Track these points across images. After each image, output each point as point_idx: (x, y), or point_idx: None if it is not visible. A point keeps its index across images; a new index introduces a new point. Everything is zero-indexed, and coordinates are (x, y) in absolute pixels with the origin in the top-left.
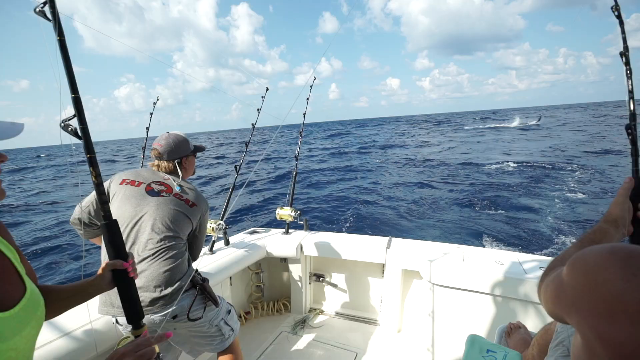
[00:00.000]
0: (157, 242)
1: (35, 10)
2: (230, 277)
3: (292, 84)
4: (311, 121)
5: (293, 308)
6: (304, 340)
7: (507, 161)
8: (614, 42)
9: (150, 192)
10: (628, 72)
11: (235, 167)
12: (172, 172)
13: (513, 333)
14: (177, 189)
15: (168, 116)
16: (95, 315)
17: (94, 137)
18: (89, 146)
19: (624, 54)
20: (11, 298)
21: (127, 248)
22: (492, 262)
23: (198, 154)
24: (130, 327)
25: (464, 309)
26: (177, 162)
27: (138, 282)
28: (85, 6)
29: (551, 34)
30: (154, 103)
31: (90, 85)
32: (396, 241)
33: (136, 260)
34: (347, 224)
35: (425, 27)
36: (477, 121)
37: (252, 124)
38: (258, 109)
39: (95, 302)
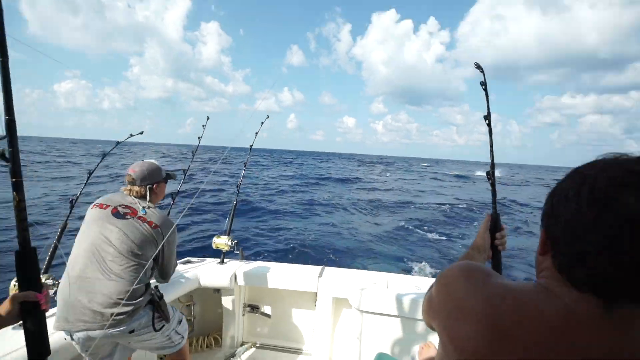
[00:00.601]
0: (121, 261)
1: None
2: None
3: (252, 107)
4: (267, 147)
5: (224, 342)
6: None
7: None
8: (532, 116)
9: (116, 214)
10: (490, 131)
11: (172, 196)
12: (143, 196)
13: (424, 352)
14: (142, 212)
15: (114, 120)
16: (7, 348)
17: (19, 131)
18: (16, 170)
19: (488, 117)
20: None
21: (93, 267)
22: (413, 287)
23: (169, 181)
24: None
25: (388, 332)
26: (149, 188)
27: (100, 297)
28: None
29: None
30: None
31: (27, 74)
32: (328, 270)
33: (102, 278)
34: (289, 255)
35: (383, 75)
36: (423, 167)
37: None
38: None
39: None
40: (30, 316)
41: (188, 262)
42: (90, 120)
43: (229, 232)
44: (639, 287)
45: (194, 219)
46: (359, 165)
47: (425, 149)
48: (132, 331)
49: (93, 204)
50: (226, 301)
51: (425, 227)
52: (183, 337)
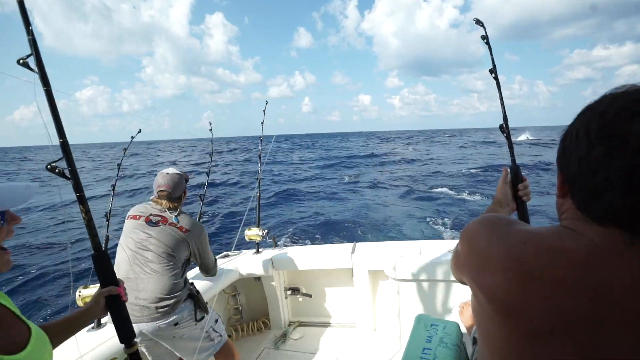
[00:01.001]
0: (159, 263)
1: (18, 62)
2: (206, 303)
3: (266, 95)
4: (284, 133)
5: (272, 324)
6: (286, 353)
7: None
8: (561, 73)
9: (149, 222)
10: (497, 84)
11: (200, 197)
12: (175, 207)
13: (465, 310)
14: (174, 220)
15: (133, 122)
16: (84, 349)
17: (49, 140)
18: (78, 185)
19: (494, 70)
20: (19, 340)
21: (136, 269)
22: (445, 251)
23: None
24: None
25: (427, 297)
26: (180, 197)
27: (144, 294)
28: (46, 1)
29: (508, 62)
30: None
31: (36, 88)
32: (360, 245)
33: (144, 277)
34: (317, 235)
35: (395, 48)
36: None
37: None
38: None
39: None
40: (115, 306)
41: (226, 256)
42: (112, 124)
43: (258, 223)
44: None
45: (219, 210)
46: (381, 142)
47: (446, 120)
48: (177, 323)
49: (128, 215)
50: (268, 287)
51: (454, 190)
52: (221, 336)
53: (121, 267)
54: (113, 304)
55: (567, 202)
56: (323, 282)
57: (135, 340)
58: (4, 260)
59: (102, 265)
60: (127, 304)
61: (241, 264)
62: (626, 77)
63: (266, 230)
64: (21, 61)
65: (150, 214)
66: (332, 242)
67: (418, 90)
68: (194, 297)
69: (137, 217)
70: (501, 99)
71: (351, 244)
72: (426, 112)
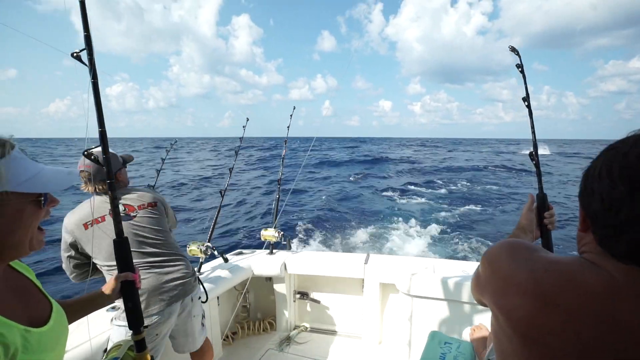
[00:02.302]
0: (163, 247)
1: (72, 54)
2: (218, 297)
3: (287, 97)
4: (302, 135)
5: (278, 326)
6: (290, 357)
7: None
8: (593, 85)
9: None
10: (530, 113)
11: (221, 192)
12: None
13: (475, 333)
14: (125, 196)
15: (159, 118)
16: (95, 332)
17: (79, 133)
18: (109, 173)
19: (527, 99)
20: (43, 314)
21: (144, 263)
22: (459, 271)
23: (127, 165)
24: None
25: (436, 315)
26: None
27: (176, 273)
28: None
29: (536, 72)
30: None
31: (82, 80)
32: (374, 257)
33: (161, 264)
34: (332, 242)
35: (419, 54)
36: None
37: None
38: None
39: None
40: (129, 292)
41: (240, 253)
42: (138, 120)
43: (275, 224)
44: None
45: (241, 210)
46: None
47: (467, 129)
48: (199, 297)
49: (80, 224)
50: (278, 289)
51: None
52: (204, 333)
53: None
54: (128, 289)
55: (588, 237)
56: (333, 290)
57: (143, 329)
58: (39, 239)
59: (122, 251)
60: (163, 288)
61: (254, 263)
62: None
63: (282, 232)
64: (74, 54)
65: (109, 209)
66: (345, 251)
67: (440, 98)
68: (198, 277)
69: (99, 219)
70: (532, 128)
71: (364, 255)
72: (447, 120)
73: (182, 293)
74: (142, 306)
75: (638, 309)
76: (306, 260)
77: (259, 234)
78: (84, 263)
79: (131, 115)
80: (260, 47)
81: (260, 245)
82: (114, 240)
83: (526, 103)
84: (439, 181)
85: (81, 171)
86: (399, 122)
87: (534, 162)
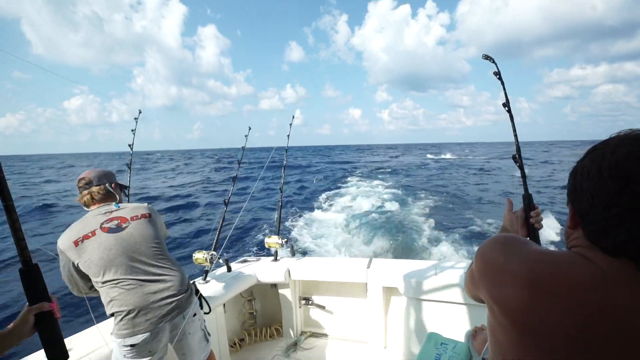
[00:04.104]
0: (156, 258)
1: None
2: (224, 305)
3: (257, 107)
4: (277, 145)
5: (285, 332)
6: None
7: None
8: (541, 91)
9: (109, 231)
10: (511, 117)
11: (224, 201)
12: (106, 197)
13: (478, 335)
14: (115, 206)
15: (124, 132)
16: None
17: (39, 149)
18: (5, 195)
19: (507, 104)
20: None
21: (134, 280)
22: (461, 273)
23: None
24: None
25: (440, 318)
26: (108, 186)
27: (168, 291)
28: (34, 8)
29: (492, 79)
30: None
31: (37, 92)
32: (376, 261)
33: (160, 274)
34: (336, 249)
35: (384, 63)
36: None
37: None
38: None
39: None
40: (47, 324)
41: (245, 261)
42: (101, 134)
43: (278, 231)
44: None
45: (246, 218)
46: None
47: (433, 133)
48: (195, 314)
49: (71, 242)
50: (283, 295)
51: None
52: (210, 336)
53: (126, 287)
54: (44, 321)
55: (577, 232)
56: (337, 295)
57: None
58: None
59: (32, 280)
60: (150, 307)
61: (259, 270)
62: (602, 96)
63: (285, 239)
64: None
65: (102, 222)
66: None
67: (406, 105)
68: (196, 289)
69: (89, 234)
70: (514, 132)
71: (367, 259)
72: (414, 126)
73: (171, 312)
74: (128, 324)
75: (627, 294)
76: (310, 266)
77: (264, 242)
78: (90, 286)
79: (93, 129)
80: (228, 58)
81: (265, 252)
82: (20, 270)
83: (506, 108)
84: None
85: (80, 179)
86: (369, 130)
87: (518, 164)
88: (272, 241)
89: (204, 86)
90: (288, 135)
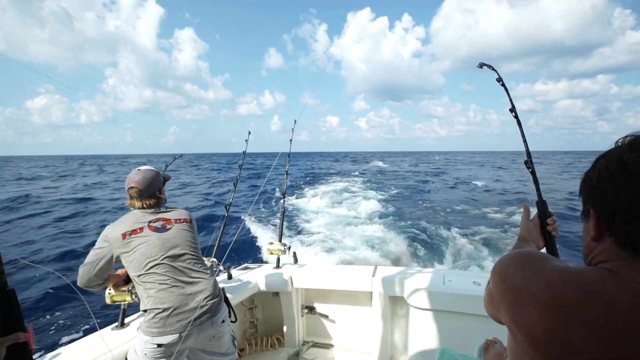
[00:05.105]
0: (196, 261)
1: None
2: None
3: (235, 112)
4: (255, 151)
5: (287, 342)
6: None
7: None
8: (508, 104)
9: (155, 230)
10: (518, 122)
11: (226, 207)
12: (155, 205)
13: (490, 348)
14: (162, 207)
15: (93, 134)
16: (109, 346)
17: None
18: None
19: (513, 109)
20: None
21: (173, 279)
22: (470, 283)
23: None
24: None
25: (447, 329)
26: (157, 195)
27: (201, 295)
28: None
29: (464, 91)
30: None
31: None
32: (381, 269)
33: (194, 279)
34: (337, 256)
35: (362, 73)
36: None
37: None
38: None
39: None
40: (22, 358)
41: (246, 268)
42: (68, 136)
43: (280, 238)
44: None
45: (246, 225)
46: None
47: (409, 142)
48: (223, 320)
49: (119, 234)
50: (285, 303)
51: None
52: (235, 352)
53: (164, 286)
54: (20, 353)
55: (603, 245)
56: (340, 304)
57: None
58: None
59: (7, 307)
60: (184, 309)
61: (261, 277)
62: (562, 110)
63: (288, 246)
64: None
65: (149, 221)
66: (352, 263)
67: (383, 114)
68: (225, 296)
69: (137, 230)
70: (523, 136)
71: (372, 267)
72: (391, 134)
73: (202, 315)
74: (160, 323)
75: None
76: (313, 273)
77: (266, 249)
78: (104, 279)
79: (59, 130)
80: (206, 62)
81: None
82: None
83: (513, 114)
84: None
85: (130, 188)
86: (347, 137)
87: (530, 170)
88: (275, 248)
89: (180, 89)
90: (291, 140)
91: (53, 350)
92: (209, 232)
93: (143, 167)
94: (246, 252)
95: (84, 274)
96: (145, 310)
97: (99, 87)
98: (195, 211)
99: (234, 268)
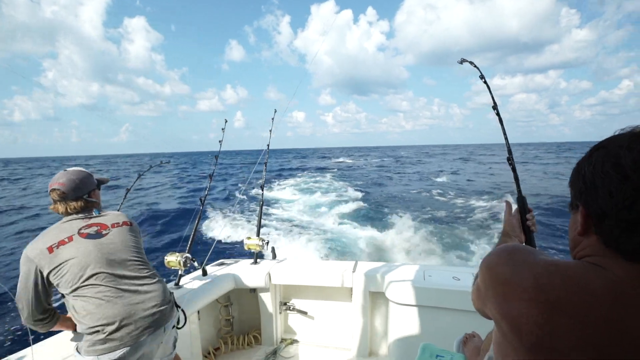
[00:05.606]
0: (138, 268)
1: None
2: (198, 312)
3: (195, 108)
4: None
5: (264, 340)
6: None
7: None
8: (470, 98)
9: (88, 237)
10: (500, 120)
11: (200, 199)
12: (82, 209)
13: (468, 342)
14: (95, 212)
15: (32, 134)
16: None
17: None
18: None
19: (495, 107)
20: None
21: (114, 289)
22: (450, 278)
23: (102, 187)
24: None
25: (427, 324)
26: (86, 198)
27: (151, 301)
28: None
29: (427, 86)
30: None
31: None
32: (362, 264)
33: (141, 285)
34: (319, 252)
35: (328, 66)
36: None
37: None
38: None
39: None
40: None
41: (222, 264)
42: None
43: (258, 233)
44: None
45: (226, 220)
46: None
47: (375, 137)
48: (173, 326)
49: (45, 247)
50: (262, 300)
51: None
52: (174, 351)
53: (106, 298)
54: None
55: (589, 239)
56: (320, 300)
57: None
58: None
59: None
60: (133, 320)
61: (237, 273)
62: (518, 104)
63: (266, 241)
64: None
65: (80, 227)
66: (332, 259)
67: (349, 108)
68: (175, 302)
69: (66, 239)
70: (505, 134)
71: (352, 262)
72: (357, 129)
73: (154, 324)
74: (107, 339)
75: None
76: (292, 269)
77: (243, 244)
78: (48, 309)
79: None
80: (161, 54)
81: (244, 254)
82: None
83: (496, 112)
84: None
85: (52, 190)
86: (313, 132)
87: (511, 167)
88: (252, 243)
89: (132, 83)
90: (270, 130)
91: (23, 349)
92: (180, 227)
93: (71, 168)
94: (222, 246)
95: (23, 309)
96: (83, 330)
97: (36, 82)
98: (166, 209)
99: (209, 264)
